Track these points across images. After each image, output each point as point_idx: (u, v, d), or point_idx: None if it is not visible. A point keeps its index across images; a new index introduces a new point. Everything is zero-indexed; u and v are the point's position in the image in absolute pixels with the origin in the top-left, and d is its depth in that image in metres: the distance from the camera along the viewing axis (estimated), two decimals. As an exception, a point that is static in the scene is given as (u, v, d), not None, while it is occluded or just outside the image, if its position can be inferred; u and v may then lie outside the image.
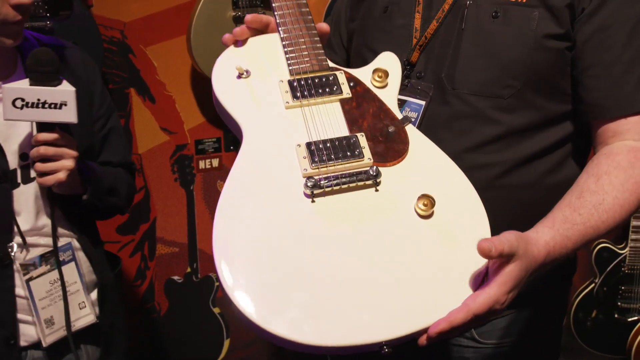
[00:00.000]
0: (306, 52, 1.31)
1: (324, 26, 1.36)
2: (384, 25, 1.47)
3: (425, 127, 1.37)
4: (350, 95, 1.29)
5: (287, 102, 1.26)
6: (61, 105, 1.49)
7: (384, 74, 1.32)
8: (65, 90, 1.50)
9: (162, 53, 3.09)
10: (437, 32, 1.37)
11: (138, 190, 3.11)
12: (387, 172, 1.20)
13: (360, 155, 1.20)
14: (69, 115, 1.51)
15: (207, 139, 3.22)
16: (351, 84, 1.32)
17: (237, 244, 1.09)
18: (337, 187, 1.15)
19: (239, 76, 1.28)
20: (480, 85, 1.32)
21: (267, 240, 1.10)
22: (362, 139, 1.22)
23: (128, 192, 1.88)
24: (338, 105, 1.28)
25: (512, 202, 1.33)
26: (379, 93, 1.32)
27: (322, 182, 1.15)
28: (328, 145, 1.21)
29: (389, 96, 1.32)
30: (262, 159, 1.19)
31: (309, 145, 1.21)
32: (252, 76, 1.30)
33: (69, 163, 1.55)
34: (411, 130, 1.27)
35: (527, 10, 1.28)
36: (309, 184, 1.14)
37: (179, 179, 3.21)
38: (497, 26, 1.30)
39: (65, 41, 1.84)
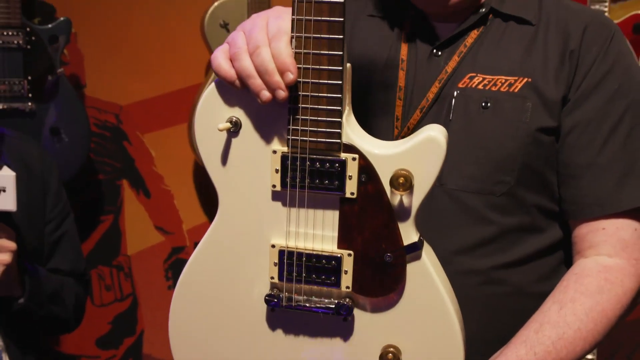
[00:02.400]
0: (315, 119, 1.08)
1: None
2: (362, 106, 1.35)
3: None
4: (355, 197, 1.10)
5: (274, 187, 1.12)
6: None
7: (410, 176, 1.07)
8: (4, 175, 1.48)
9: (161, 142, 2.96)
10: (421, 123, 1.32)
11: (124, 297, 2.99)
12: (364, 303, 1.14)
13: (337, 284, 1.13)
14: (7, 202, 1.49)
15: (208, 241, 3.00)
16: (362, 178, 1.09)
17: (190, 327, 1.21)
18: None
19: (227, 130, 1.12)
20: (470, 181, 1.30)
21: (217, 330, 1.19)
22: (348, 261, 1.12)
23: (76, 304, 1.81)
24: (337, 203, 1.11)
25: (502, 309, 1.33)
26: (395, 199, 1.09)
27: (283, 299, 1.14)
28: (304, 259, 1.13)
29: (407, 206, 1.10)
30: (233, 245, 1.18)
31: (282, 253, 1.14)
32: (242, 132, 1.12)
33: (4, 257, 1.50)
34: (416, 265, 1.12)
35: (520, 101, 1.27)
36: (272, 292, 1.15)
37: (173, 286, 2.98)
38: (487, 118, 1.28)
39: (23, 134, 1.86)
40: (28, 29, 2.49)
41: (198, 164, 2.93)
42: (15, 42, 2.47)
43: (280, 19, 1.05)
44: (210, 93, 1.11)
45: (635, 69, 1.31)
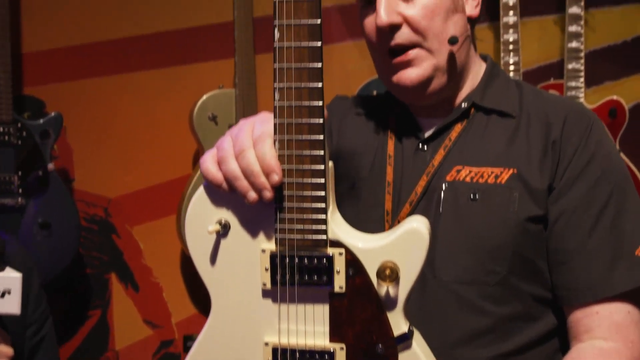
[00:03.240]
0: (301, 217, 1.12)
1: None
2: (353, 202, 1.40)
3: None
4: (344, 291, 1.12)
5: (265, 285, 1.15)
6: (4, 293, 1.40)
7: (395, 267, 1.10)
8: (10, 277, 1.41)
9: (149, 234, 2.97)
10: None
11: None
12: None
13: None
14: (12, 305, 1.41)
15: (197, 334, 2.95)
16: (350, 272, 1.12)
17: None
18: None
19: (216, 232, 1.15)
20: (463, 272, 1.31)
21: None
22: (341, 355, 1.13)
23: None
24: (327, 298, 1.13)
25: None
26: (382, 291, 1.12)
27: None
28: (297, 356, 1.14)
29: (394, 296, 1.12)
30: (227, 343, 1.18)
31: (275, 351, 1.15)
32: (231, 233, 1.16)
33: None
34: (407, 354, 1.12)
35: (507, 192, 1.30)
36: None
37: (161, 381, 2.95)
38: (476, 209, 1.31)
39: (3, 233, 1.81)
40: (19, 125, 2.54)
41: (186, 255, 2.93)
42: (7, 138, 2.52)
43: (265, 122, 1.10)
44: (199, 196, 1.15)
45: (615, 156, 1.36)
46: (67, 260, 2.61)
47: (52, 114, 2.61)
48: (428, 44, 1.31)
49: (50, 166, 2.56)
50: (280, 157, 1.09)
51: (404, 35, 1.30)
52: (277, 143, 1.09)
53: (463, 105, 1.37)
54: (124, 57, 2.91)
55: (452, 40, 1.31)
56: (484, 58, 1.46)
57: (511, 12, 3.19)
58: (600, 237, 1.30)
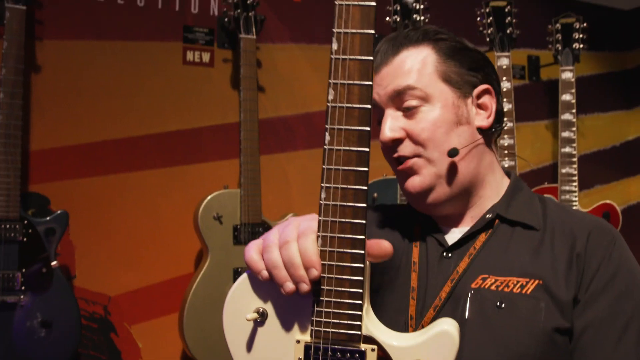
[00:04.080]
0: (338, 311, 1.16)
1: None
2: (377, 306, 1.40)
3: None
4: None
5: None
6: None
7: None
8: None
9: (148, 333, 2.96)
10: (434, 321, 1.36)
11: None
12: None
13: None
14: None
15: None
16: None
17: None
18: None
19: (254, 320, 1.19)
20: None
21: None
22: None
23: None
24: None
25: None
26: None
27: None
28: None
29: None
30: None
31: None
32: (268, 322, 1.19)
33: None
34: None
35: (533, 302, 1.31)
36: None
37: None
38: (503, 317, 1.32)
39: None
40: (25, 222, 2.58)
41: (186, 354, 2.91)
42: (13, 234, 2.55)
43: (311, 220, 1.17)
44: (240, 283, 1.20)
45: (637, 271, 1.37)
46: (66, 359, 2.59)
47: (58, 211, 2.65)
48: (428, 154, 1.35)
49: (54, 263, 2.58)
50: (322, 253, 1.14)
51: (405, 148, 1.36)
52: (320, 239, 1.14)
53: (488, 216, 1.40)
54: (129, 156, 2.98)
55: (451, 153, 1.35)
56: (507, 173, 1.49)
57: (506, 118, 3.31)
58: (626, 352, 1.29)
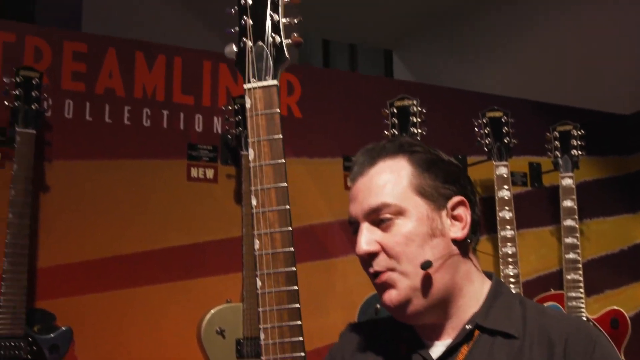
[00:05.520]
0: None
1: None
2: None
3: None
4: None
5: None
6: None
7: None
8: None
9: None
10: None
11: None
12: None
13: None
14: None
15: None
16: None
17: None
18: None
19: None
20: None
21: None
22: None
23: None
24: None
25: None
26: None
27: None
28: None
29: None
30: None
31: None
32: None
33: None
34: None
35: None
36: None
37: None
38: None
39: None
40: (30, 339, 2.64)
41: None
42: (17, 352, 2.61)
43: None
44: None
45: None
46: None
47: (63, 328, 2.71)
48: (402, 267, 1.37)
49: (58, 381, 2.63)
50: None
51: (380, 262, 1.39)
52: None
53: (467, 327, 1.41)
54: (133, 272, 3.06)
55: (425, 266, 1.37)
56: (489, 276, 1.50)
57: (508, 227, 3.39)
58: None
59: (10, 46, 2.97)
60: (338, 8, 6.06)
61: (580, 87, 4.99)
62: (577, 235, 3.61)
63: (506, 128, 3.49)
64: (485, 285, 1.48)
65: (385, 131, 3.23)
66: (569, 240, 3.62)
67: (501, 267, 3.34)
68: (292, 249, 1.25)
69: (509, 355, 1.37)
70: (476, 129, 3.51)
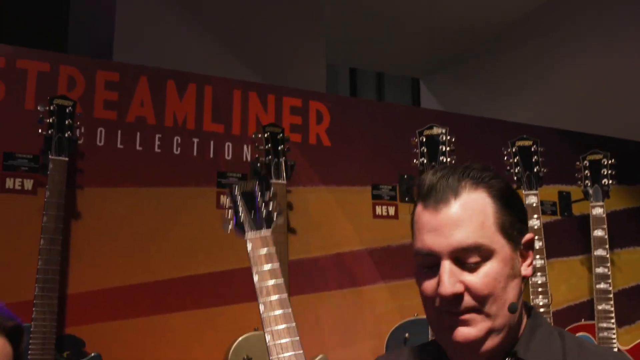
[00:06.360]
0: None
1: None
2: None
3: None
4: None
5: None
6: None
7: None
8: None
9: None
10: None
11: None
12: None
13: None
14: None
15: None
16: None
17: None
18: None
19: None
20: None
21: None
22: None
23: None
24: None
25: None
26: None
27: None
28: None
29: None
30: None
31: None
32: None
33: None
34: None
35: None
36: None
37: None
38: None
39: None
40: (59, 368, 2.67)
41: None
42: (47, 380, 2.63)
43: None
44: None
45: None
46: None
47: (92, 354, 2.73)
48: (487, 309, 1.34)
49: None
50: None
51: (465, 303, 1.34)
52: None
53: (508, 359, 1.39)
54: (162, 299, 3.07)
55: (512, 309, 1.35)
56: (527, 306, 1.48)
57: (538, 256, 3.36)
58: None
59: (45, 75, 3.02)
60: (365, 37, 6.10)
61: (610, 116, 4.96)
62: (608, 265, 3.56)
63: (536, 157, 3.46)
64: (525, 315, 1.46)
65: (414, 160, 3.22)
66: (599, 270, 3.57)
67: (531, 296, 3.30)
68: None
69: None
70: (505, 157, 3.49)
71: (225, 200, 1.79)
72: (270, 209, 1.95)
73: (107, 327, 2.97)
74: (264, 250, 1.89)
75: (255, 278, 1.88)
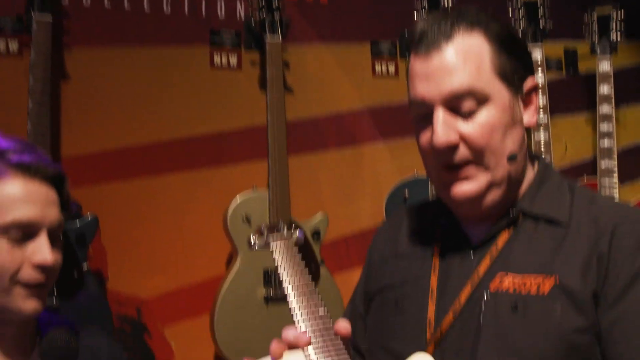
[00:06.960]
0: None
1: (343, 327, 1.24)
2: (396, 320, 1.42)
3: None
4: None
5: None
6: None
7: None
8: None
9: (181, 334, 3.00)
10: (453, 326, 1.33)
11: None
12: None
13: None
14: None
15: None
16: None
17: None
18: None
19: None
20: None
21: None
22: None
23: None
24: None
25: None
26: None
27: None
28: None
29: None
30: None
31: None
32: None
33: None
34: None
35: (548, 304, 1.25)
36: None
37: None
38: (517, 321, 1.27)
39: (89, 325, 1.69)
40: (57, 228, 2.64)
41: (219, 357, 2.95)
42: (44, 241, 2.61)
43: None
44: None
45: None
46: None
47: (89, 217, 2.71)
48: (485, 160, 1.28)
49: (87, 269, 2.64)
50: None
51: (460, 154, 1.28)
52: None
53: (511, 212, 1.34)
54: (157, 160, 3.04)
55: (512, 158, 1.29)
56: (536, 158, 1.42)
57: (541, 112, 3.29)
58: None
59: None
60: None
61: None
62: (613, 122, 3.50)
63: (541, 10, 3.31)
64: (533, 169, 1.40)
65: (415, 11, 3.10)
66: (603, 127, 3.51)
67: (533, 153, 3.26)
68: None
69: (551, 241, 1.30)
70: (510, 13, 3.34)
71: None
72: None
73: (103, 190, 2.95)
74: None
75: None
